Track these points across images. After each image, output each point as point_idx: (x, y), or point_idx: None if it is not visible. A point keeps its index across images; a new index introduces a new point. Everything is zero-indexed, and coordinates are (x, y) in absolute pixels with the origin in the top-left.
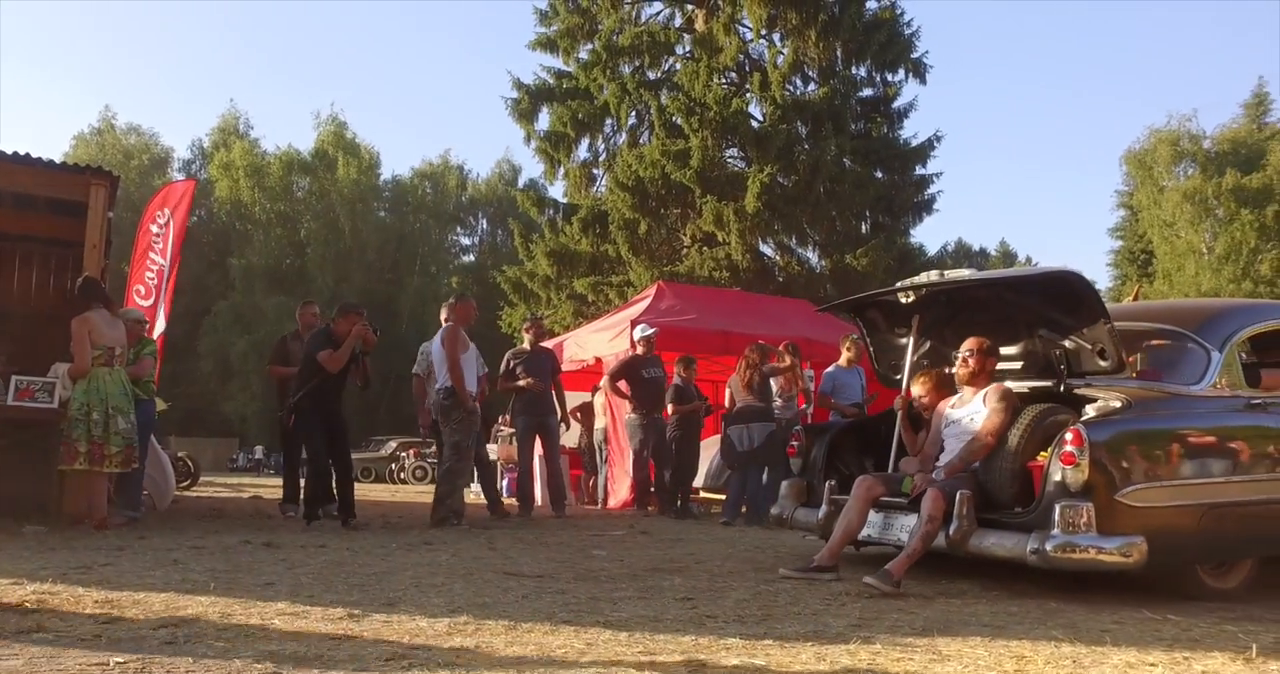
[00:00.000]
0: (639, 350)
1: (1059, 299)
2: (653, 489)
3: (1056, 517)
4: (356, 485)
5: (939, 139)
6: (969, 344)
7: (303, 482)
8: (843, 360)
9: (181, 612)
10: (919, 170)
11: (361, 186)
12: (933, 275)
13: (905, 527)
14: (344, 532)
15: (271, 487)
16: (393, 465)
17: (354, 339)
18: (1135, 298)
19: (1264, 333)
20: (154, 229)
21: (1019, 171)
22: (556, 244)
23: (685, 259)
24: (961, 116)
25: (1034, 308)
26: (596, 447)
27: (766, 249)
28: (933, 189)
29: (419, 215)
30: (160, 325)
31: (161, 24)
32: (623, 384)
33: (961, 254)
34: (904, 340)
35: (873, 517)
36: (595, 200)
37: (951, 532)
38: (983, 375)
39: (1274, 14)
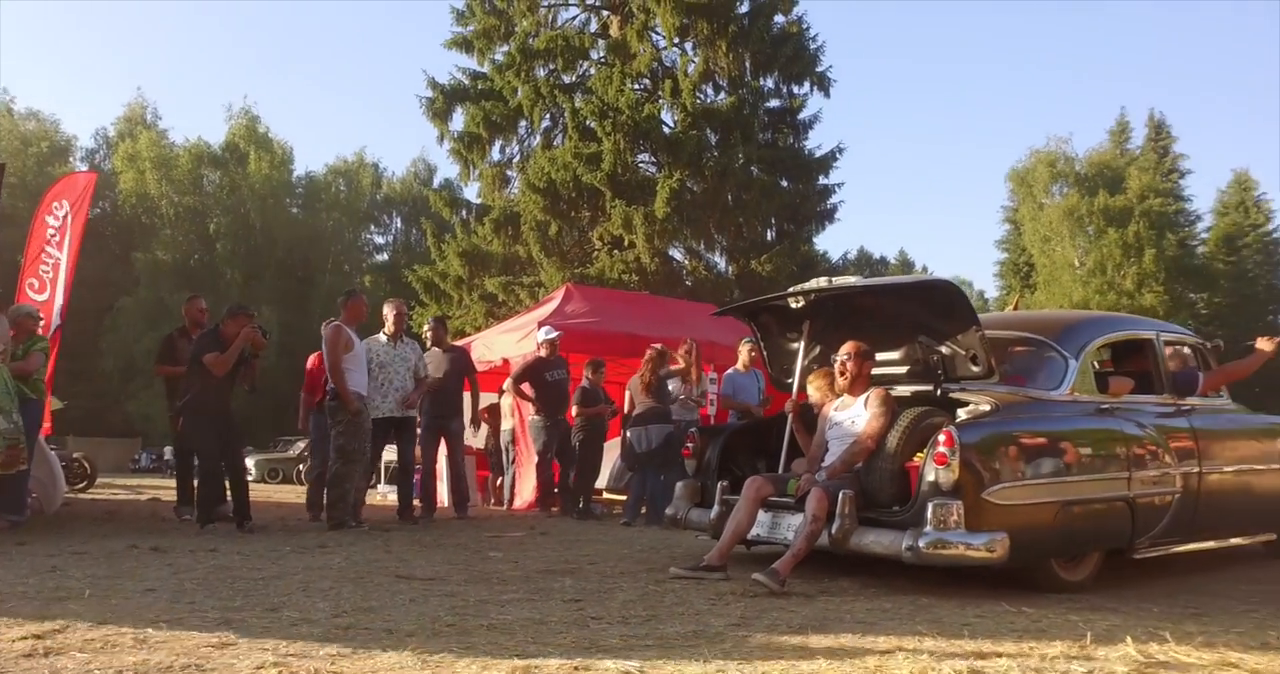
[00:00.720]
0: (542, 353)
1: (936, 307)
2: (556, 491)
3: (929, 515)
4: (265, 486)
5: (841, 151)
6: (845, 350)
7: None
8: (740, 364)
9: (49, 621)
10: (822, 180)
11: (274, 182)
12: (821, 282)
13: (792, 526)
14: (238, 535)
15: (172, 488)
16: (301, 466)
17: (241, 341)
18: (1015, 307)
19: (1113, 342)
20: (51, 221)
21: (918, 184)
22: (469, 244)
23: (595, 261)
24: (864, 129)
25: (914, 315)
26: (503, 448)
27: (675, 253)
28: (835, 199)
29: (332, 213)
30: (55, 321)
31: (66, 7)
32: (526, 386)
33: (863, 262)
34: (795, 345)
35: (762, 516)
36: (508, 201)
37: (834, 530)
38: (861, 379)
39: (1138, 49)
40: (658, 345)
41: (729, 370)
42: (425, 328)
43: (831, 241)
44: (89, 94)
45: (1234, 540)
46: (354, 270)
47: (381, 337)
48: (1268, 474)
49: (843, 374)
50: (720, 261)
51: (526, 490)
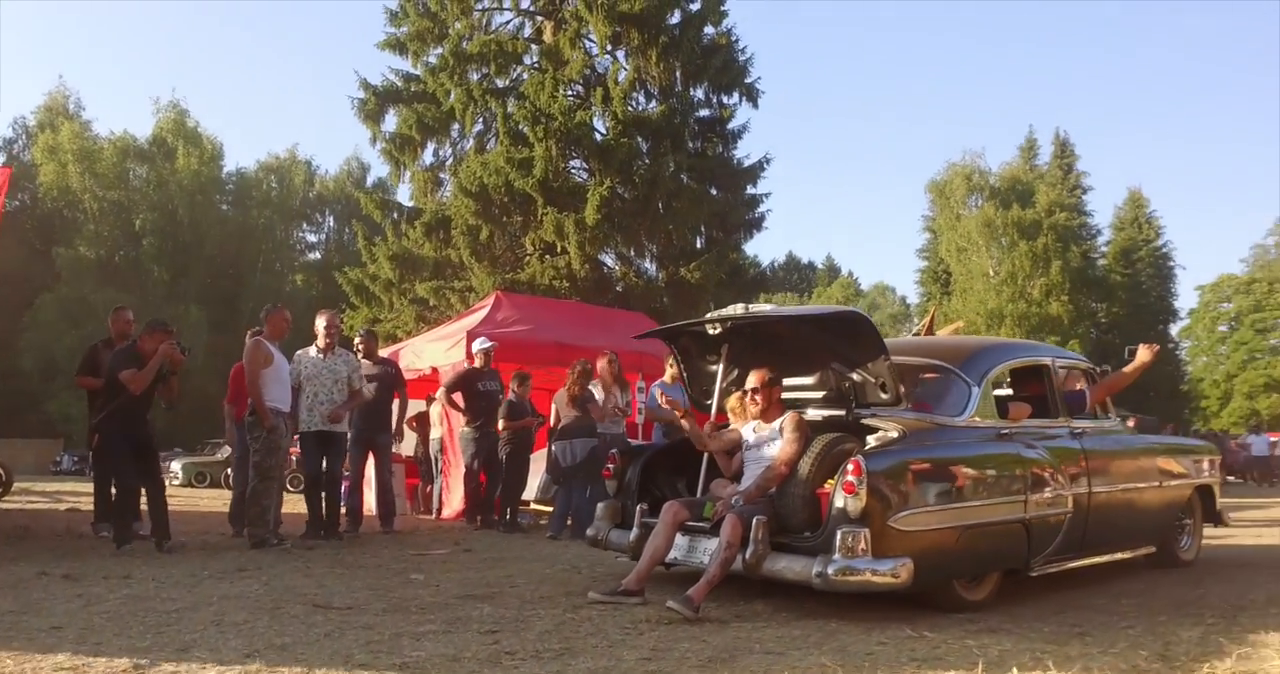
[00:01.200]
0: (476, 363)
1: (847, 336)
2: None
3: (837, 542)
4: (192, 490)
5: (769, 161)
6: (753, 380)
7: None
8: (667, 377)
9: None
10: (750, 190)
11: (203, 178)
12: (737, 309)
13: (708, 550)
14: (156, 557)
15: (93, 495)
16: (228, 470)
17: (159, 359)
18: (932, 319)
19: (1013, 369)
20: None
21: (844, 192)
22: (399, 248)
23: (527, 267)
24: (792, 138)
25: (827, 343)
26: (432, 456)
27: (606, 260)
28: (762, 208)
29: (263, 210)
30: None
31: None
32: (458, 396)
33: (791, 267)
34: (714, 367)
35: (679, 540)
36: (440, 205)
37: (748, 556)
38: (773, 406)
39: (1048, 69)
40: (584, 359)
41: (655, 383)
42: (355, 339)
43: (761, 246)
44: (5, 81)
45: (1120, 555)
46: (285, 269)
47: (312, 349)
48: (1148, 491)
49: (754, 404)
50: (650, 268)
51: (455, 499)
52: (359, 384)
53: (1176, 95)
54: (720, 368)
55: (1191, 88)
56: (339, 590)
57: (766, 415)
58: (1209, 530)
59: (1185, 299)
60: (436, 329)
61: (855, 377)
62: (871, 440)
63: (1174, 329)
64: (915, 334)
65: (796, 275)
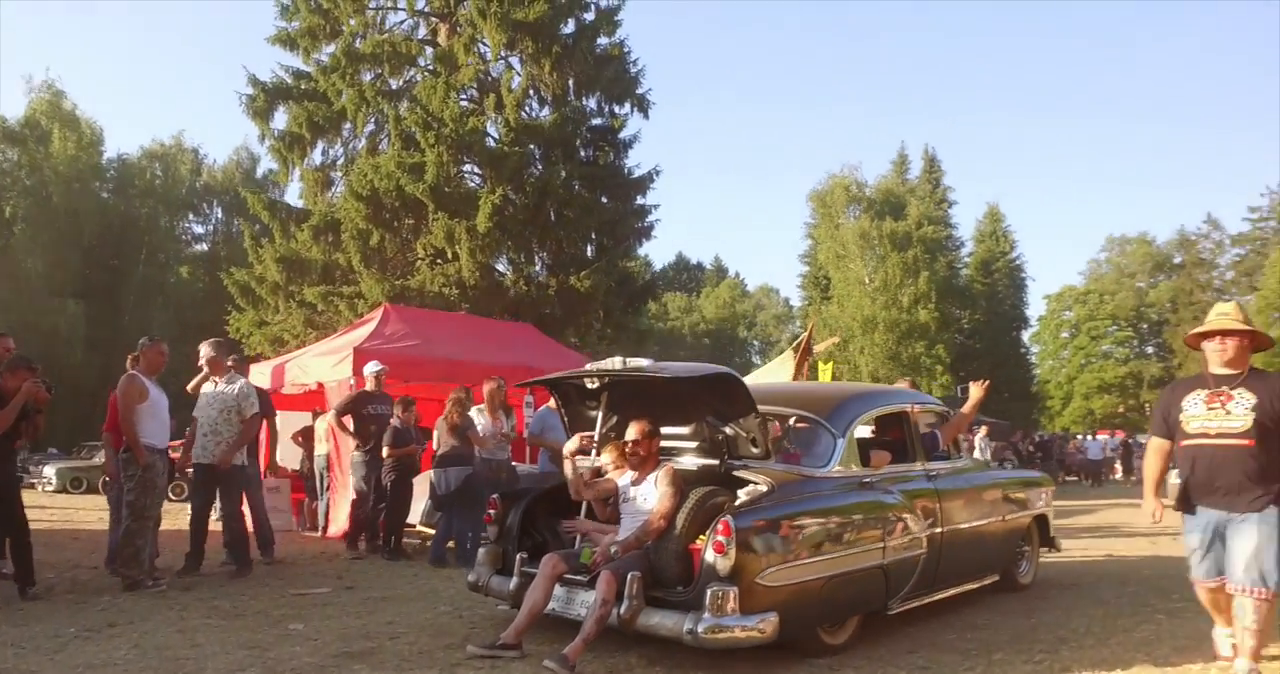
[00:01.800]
0: (368, 386)
1: (720, 393)
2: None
3: (707, 600)
4: (67, 496)
5: (658, 173)
6: (632, 432)
7: None
8: (551, 402)
9: None
10: (640, 200)
11: (81, 164)
12: (615, 363)
13: (586, 602)
14: (20, 605)
15: None
16: (106, 477)
17: (22, 398)
18: (810, 333)
19: (876, 417)
20: None
21: (733, 196)
22: (287, 250)
23: (417, 273)
24: (681, 145)
25: (702, 397)
26: (318, 472)
27: (499, 266)
28: (651, 218)
29: (146, 200)
30: None
31: None
32: (347, 420)
33: (681, 267)
34: (594, 413)
35: (558, 591)
36: (330, 207)
37: (623, 611)
38: (650, 458)
39: (918, 87)
40: (464, 386)
41: (541, 408)
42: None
43: (652, 246)
44: None
45: (968, 585)
46: (171, 260)
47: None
48: (993, 525)
49: (633, 455)
50: (541, 276)
51: (341, 517)
52: (250, 411)
53: (1030, 116)
54: (600, 414)
55: (1042, 109)
56: (213, 652)
57: (644, 467)
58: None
59: (1035, 307)
60: (322, 343)
61: (728, 430)
62: (742, 495)
63: (1025, 335)
64: (795, 347)
65: (686, 275)
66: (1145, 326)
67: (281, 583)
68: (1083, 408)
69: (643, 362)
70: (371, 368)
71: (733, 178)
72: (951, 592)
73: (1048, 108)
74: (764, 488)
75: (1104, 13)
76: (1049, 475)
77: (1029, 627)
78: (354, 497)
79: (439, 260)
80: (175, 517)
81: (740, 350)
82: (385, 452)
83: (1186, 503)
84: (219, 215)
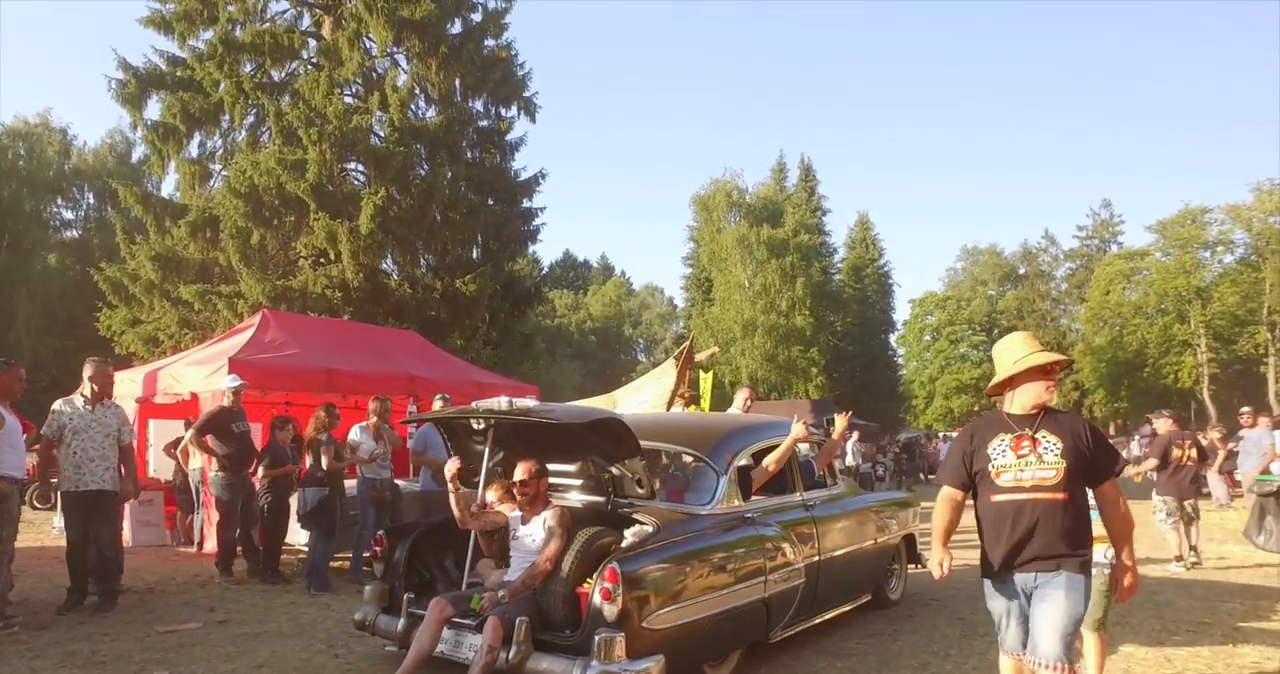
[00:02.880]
0: (226, 402)
1: (606, 434)
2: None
3: (595, 647)
4: None
5: (544, 175)
6: (520, 472)
7: None
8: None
9: None
10: (526, 203)
11: None
12: (502, 403)
13: (474, 645)
14: None
15: None
16: None
17: None
18: (690, 345)
19: (756, 451)
20: None
21: (619, 197)
22: (163, 247)
23: (298, 274)
24: (571, 140)
25: (588, 438)
26: (193, 486)
27: (384, 268)
28: (538, 221)
29: (9, 181)
30: None
31: None
32: (209, 439)
33: (568, 265)
34: (481, 448)
35: (446, 634)
36: (208, 203)
37: (511, 656)
38: (540, 498)
39: (795, 96)
40: (329, 403)
41: (423, 426)
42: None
43: (539, 245)
44: None
45: (844, 608)
46: (38, 247)
47: (77, 399)
48: (867, 547)
49: (522, 495)
50: (427, 279)
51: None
52: (129, 438)
53: (896, 127)
54: (487, 449)
55: (913, 119)
56: None
57: (533, 506)
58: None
59: (901, 312)
60: (196, 351)
61: (613, 469)
62: (629, 535)
63: (892, 338)
64: (677, 356)
65: (573, 273)
66: (996, 331)
67: (149, 617)
68: (943, 407)
69: (529, 403)
70: (231, 382)
71: (620, 179)
72: (829, 615)
73: (919, 118)
74: (650, 528)
75: (964, 28)
76: (914, 476)
77: (895, 651)
78: (218, 519)
79: (322, 261)
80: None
81: (626, 348)
82: (260, 471)
83: (992, 566)
84: (90, 201)
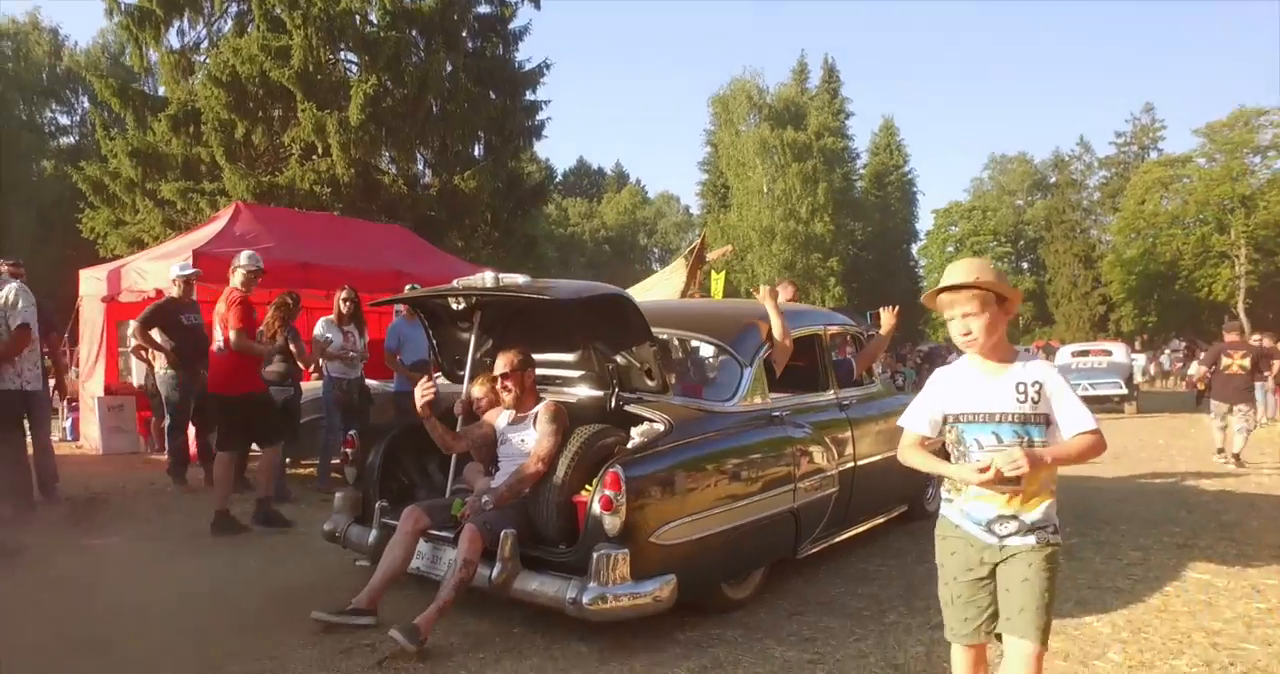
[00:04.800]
0: (174, 292)
1: (610, 317)
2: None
3: (593, 566)
4: None
5: (549, 66)
6: (502, 364)
7: None
8: (406, 312)
9: None
10: (530, 95)
11: None
12: (488, 279)
13: (451, 561)
14: None
15: None
16: None
17: None
18: (702, 242)
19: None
20: None
21: (634, 100)
22: (141, 142)
23: (286, 170)
24: (584, 39)
25: (589, 321)
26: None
27: (378, 163)
28: (542, 115)
29: None
30: None
31: None
32: (156, 333)
33: (582, 173)
34: (466, 335)
35: (422, 546)
36: (189, 95)
37: (494, 575)
38: (527, 393)
39: None
40: (292, 291)
41: (395, 320)
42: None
43: (552, 150)
44: None
45: (878, 520)
46: (33, 153)
47: None
48: None
49: (505, 391)
50: (425, 175)
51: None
52: (21, 319)
53: (924, 27)
54: (473, 337)
55: (938, 21)
56: None
57: (521, 403)
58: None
59: (924, 221)
60: (160, 246)
61: (619, 359)
62: (635, 435)
63: (914, 248)
64: (687, 255)
65: (586, 181)
66: (1022, 243)
67: (79, 530)
68: None
69: (518, 278)
70: (180, 269)
71: (634, 81)
72: (861, 528)
73: (943, 20)
74: (660, 427)
75: None
76: None
77: (924, 574)
78: (168, 423)
79: (311, 156)
80: None
81: (640, 257)
82: None
83: None
84: (85, 106)
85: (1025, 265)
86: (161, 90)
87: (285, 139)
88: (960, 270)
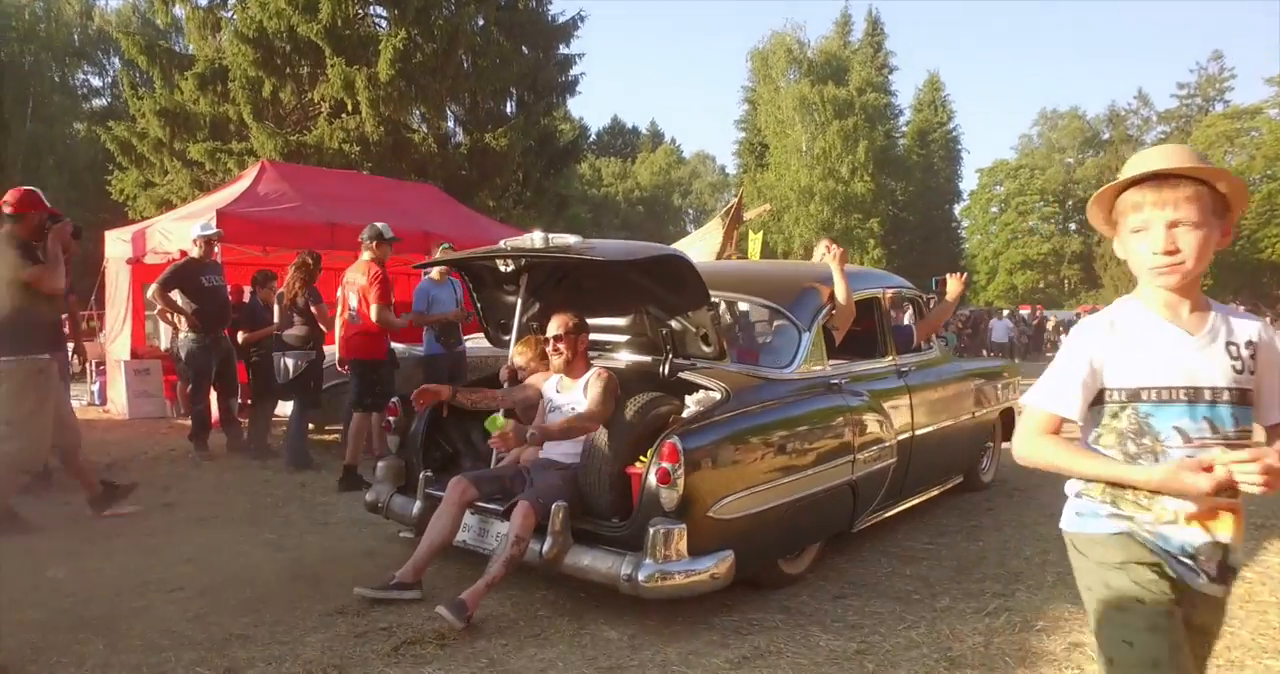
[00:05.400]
0: (196, 252)
1: (665, 278)
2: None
3: (649, 542)
4: None
5: (583, 18)
6: (554, 326)
7: None
8: (435, 272)
9: None
10: (563, 50)
11: None
12: (536, 240)
13: (502, 534)
14: None
15: None
16: None
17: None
18: (740, 200)
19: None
20: None
21: (669, 57)
22: (169, 101)
23: (315, 128)
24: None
25: (642, 283)
26: None
27: (408, 121)
28: (576, 70)
29: (28, 46)
30: None
31: None
32: (176, 295)
33: (616, 132)
34: (512, 298)
35: (469, 519)
36: (217, 52)
37: (545, 549)
38: (579, 358)
39: None
40: (311, 250)
41: (422, 281)
42: None
43: (585, 109)
44: None
45: (933, 491)
46: (65, 115)
47: None
48: (964, 422)
49: (557, 354)
50: (457, 133)
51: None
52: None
53: None
54: (519, 300)
55: None
56: None
57: (571, 369)
58: None
59: (968, 181)
60: (186, 207)
61: (673, 323)
62: (691, 404)
63: (957, 209)
64: (725, 214)
65: (620, 140)
66: (1071, 203)
67: (88, 500)
68: (1006, 282)
69: (569, 238)
70: (202, 229)
71: (670, 37)
72: (917, 500)
73: None
74: (718, 396)
75: None
76: (976, 351)
77: (975, 554)
78: (189, 387)
79: (343, 113)
80: None
81: (675, 218)
82: (241, 337)
83: None
84: (117, 67)
85: (1073, 226)
86: (191, 49)
87: (314, 96)
88: (1168, 155)
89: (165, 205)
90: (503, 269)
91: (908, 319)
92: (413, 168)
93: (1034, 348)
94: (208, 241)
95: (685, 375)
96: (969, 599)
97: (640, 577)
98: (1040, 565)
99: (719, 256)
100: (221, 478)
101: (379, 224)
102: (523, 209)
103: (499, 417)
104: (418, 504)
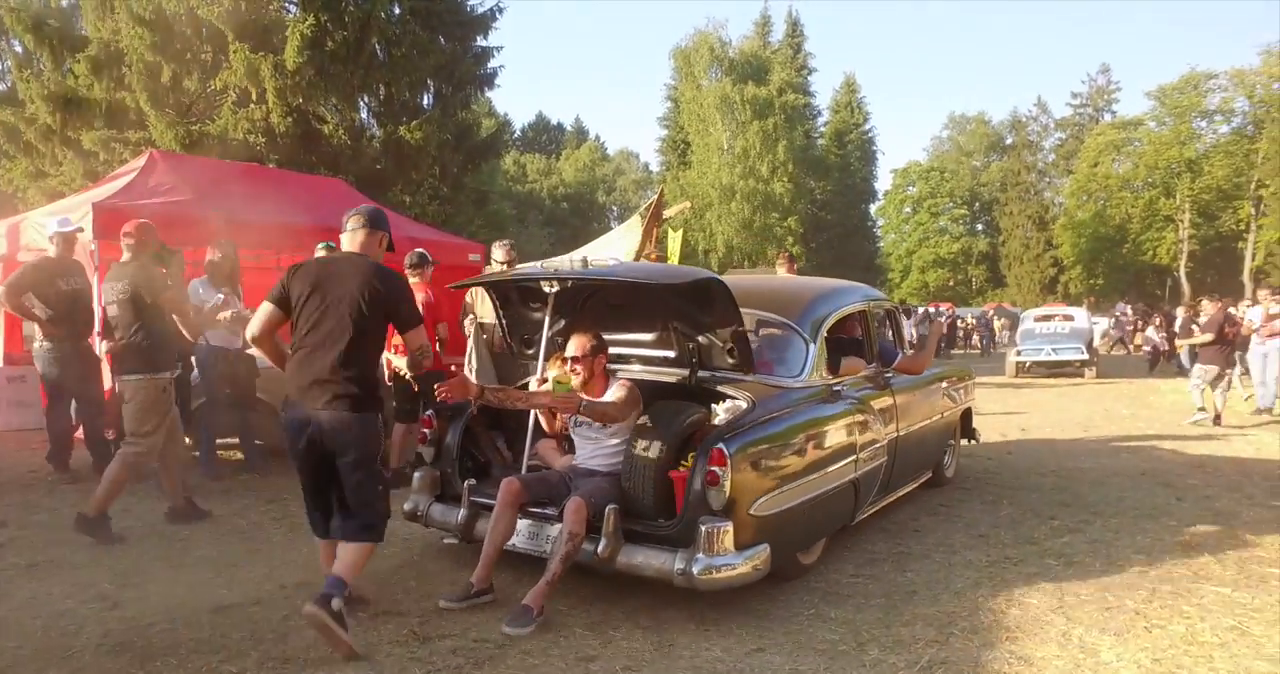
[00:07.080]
0: (52, 251)
1: (699, 298)
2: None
3: (701, 539)
4: None
5: (501, 10)
6: (573, 348)
7: None
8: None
9: None
10: (481, 41)
11: None
12: (577, 263)
13: (553, 537)
14: None
15: None
16: None
17: None
18: (660, 197)
19: (839, 318)
20: None
21: (593, 54)
22: (61, 87)
23: (218, 118)
24: None
25: (673, 302)
26: None
27: (319, 113)
28: (494, 63)
29: None
30: None
31: None
32: (30, 299)
33: (541, 128)
34: (539, 315)
35: (520, 524)
36: (113, 35)
37: (600, 549)
38: (596, 378)
39: None
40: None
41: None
42: None
43: (510, 105)
44: None
45: (910, 487)
46: None
47: None
48: (935, 423)
49: (574, 375)
50: (371, 127)
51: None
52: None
53: None
54: (546, 317)
55: None
56: None
57: (589, 388)
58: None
59: (884, 181)
60: (62, 201)
61: (701, 338)
62: (721, 412)
63: (872, 208)
64: (644, 212)
65: (545, 136)
66: (978, 205)
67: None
68: (919, 281)
69: (608, 261)
70: (57, 226)
71: (596, 33)
72: (897, 495)
73: None
74: (744, 404)
75: None
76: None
77: (905, 588)
78: (47, 403)
79: (250, 103)
80: None
81: (599, 215)
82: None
83: None
84: (19, 49)
85: (980, 227)
86: (87, 31)
87: (216, 84)
88: None
89: (58, 197)
90: (546, 290)
91: (890, 333)
92: (323, 161)
93: (947, 346)
94: (66, 239)
95: (708, 386)
96: (900, 649)
97: (695, 570)
98: (973, 603)
99: (639, 255)
100: (80, 505)
101: (420, 250)
102: (439, 204)
103: (572, 378)
104: (462, 511)
